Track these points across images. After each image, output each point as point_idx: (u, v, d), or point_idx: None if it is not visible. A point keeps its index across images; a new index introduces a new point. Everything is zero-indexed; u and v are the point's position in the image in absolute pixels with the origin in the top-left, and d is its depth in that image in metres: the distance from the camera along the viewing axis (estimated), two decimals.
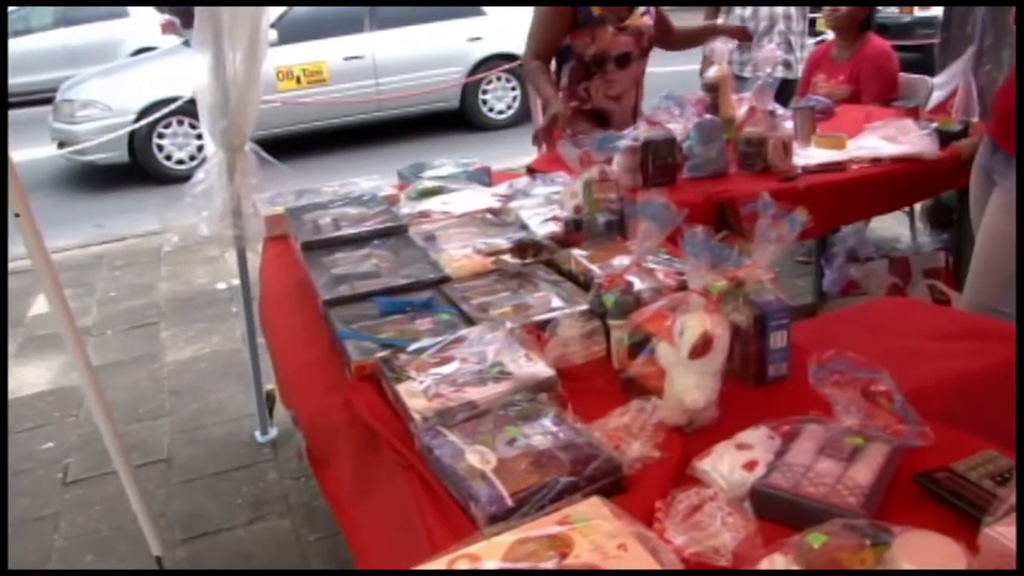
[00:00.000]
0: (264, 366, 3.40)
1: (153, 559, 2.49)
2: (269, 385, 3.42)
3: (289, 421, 3.43)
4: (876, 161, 3.14)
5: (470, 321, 1.86)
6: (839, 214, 3.24)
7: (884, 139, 3.29)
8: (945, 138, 3.25)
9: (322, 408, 1.77)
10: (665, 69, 5.16)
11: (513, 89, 9.18)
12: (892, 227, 4.85)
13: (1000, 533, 1.13)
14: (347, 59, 8.39)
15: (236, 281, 4.96)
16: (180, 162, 7.96)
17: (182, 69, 6.01)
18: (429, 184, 2.84)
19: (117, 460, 2.34)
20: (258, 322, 2.82)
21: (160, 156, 7.98)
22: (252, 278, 3.14)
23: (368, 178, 3.04)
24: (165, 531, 2.72)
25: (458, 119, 9.14)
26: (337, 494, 1.73)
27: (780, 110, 3.45)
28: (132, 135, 7.72)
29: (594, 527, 1.19)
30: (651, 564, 1.13)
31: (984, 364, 2.07)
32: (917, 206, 4.44)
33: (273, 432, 3.47)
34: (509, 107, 9.26)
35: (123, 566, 2.80)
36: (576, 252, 2.11)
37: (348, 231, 2.43)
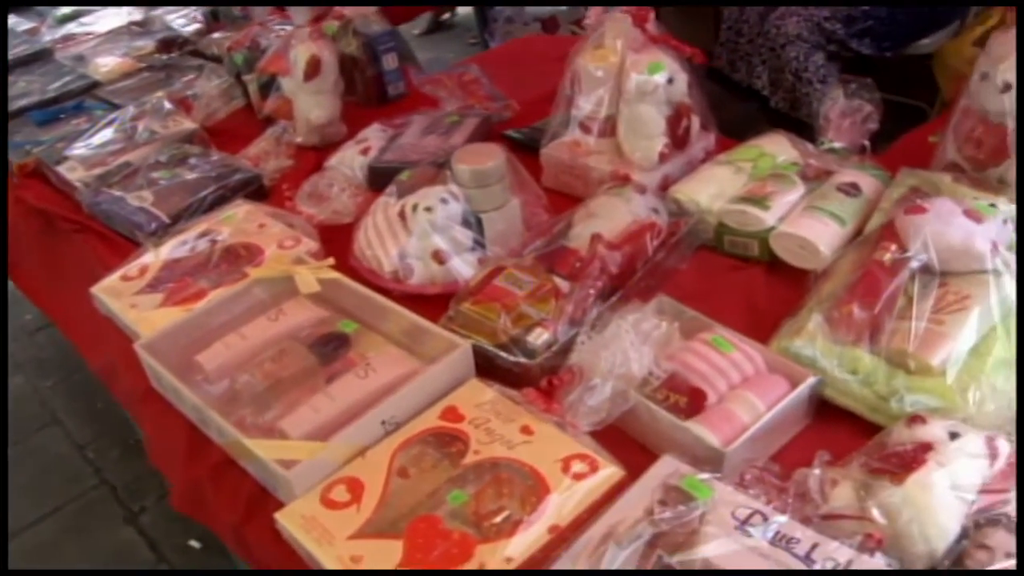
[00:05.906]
0: None
1: None
2: None
3: None
4: None
5: None
6: None
7: None
8: None
9: None
10: None
11: None
12: None
13: (551, 148, 1.51)
14: None
15: None
16: None
17: None
18: (67, 10, 2.81)
19: None
20: None
21: None
22: None
23: None
24: None
25: None
26: (34, 286, 1.86)
27: None
28: None
29: (239, 218, 1.44)
30: (286, 231, 1.40)
31: None
32: None
33: None
34: None
35: None
36: (217, 36, 2.25)
37: None
